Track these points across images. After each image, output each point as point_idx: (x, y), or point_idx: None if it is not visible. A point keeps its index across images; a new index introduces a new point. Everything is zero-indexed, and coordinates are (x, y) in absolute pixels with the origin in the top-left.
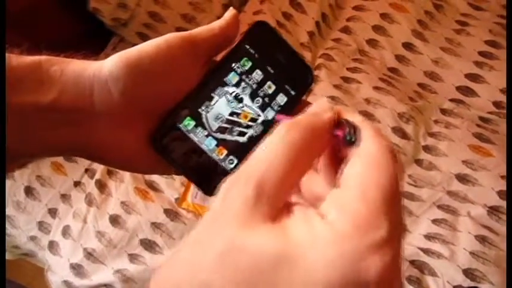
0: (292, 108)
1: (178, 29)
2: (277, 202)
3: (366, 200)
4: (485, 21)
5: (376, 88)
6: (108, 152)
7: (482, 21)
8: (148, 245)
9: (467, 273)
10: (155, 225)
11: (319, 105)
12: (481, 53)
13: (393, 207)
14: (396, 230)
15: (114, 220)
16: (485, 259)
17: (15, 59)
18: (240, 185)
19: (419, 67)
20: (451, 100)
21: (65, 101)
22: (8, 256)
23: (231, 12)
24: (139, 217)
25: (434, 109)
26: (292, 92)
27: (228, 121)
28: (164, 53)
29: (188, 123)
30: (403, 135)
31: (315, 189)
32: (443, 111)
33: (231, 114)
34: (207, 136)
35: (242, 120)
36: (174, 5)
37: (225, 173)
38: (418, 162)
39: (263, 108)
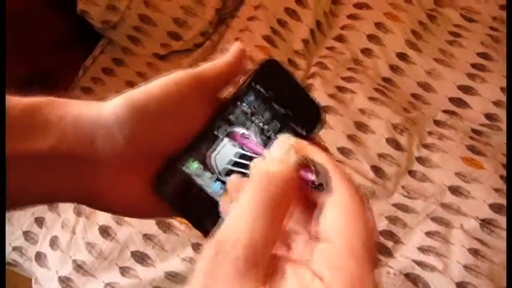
0: None
1: (169, 33)
2: (264, 262)
3: (354, 256)
4: (477, 33)
5: (370, 98)
6: (112, 199)
7: (474, 33)
8: (140, 258)
9: (461, 286)
10: (147, 237)
11: (281, 146)
12: (473, 65)
13: (373, 253)
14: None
15: (104, 231)
16: (478, 272)
17: (11, 102)
18: (226, 249)
19: (413, 77)
20: (444, 111)
21: (64, 148)
22: None
23: (237, 46)
24: (131, 228)
25: (428, 120)
26: (300, 131)
27: (235, 163)
28: (172, 94)
29: (194, 166)
30: (397, 146)
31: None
32: (437, 123)
33: (238, 155)
34: (213, 179)
35: (249, 162)
36: (165, 9)
37: None
38: (412, 173)
39: None
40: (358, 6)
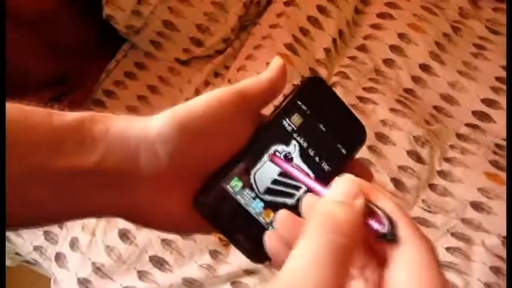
0: (342, 167)
1: (192, 39)
2: None
3: None
4: (502, 45)
5: (392, 110)
6: (153, 215)
7: (499, 45)
8: (158, 262)
9: None
10: (165, 242)
11: (346, 187)
12: (497, 78)
13: None
14: None
15: (124, 235)
16: None
17: (57, 118)
18: None
19: (436, 89)
20: (467, 125)
21: (109, 164)
22: (8, 262)
23: (278, 62)
24: (150, 233)
25: (450, 134)
26: (344, 151)
27: (277, 182)
28: (216, 112)
29: (235, 184)
30: (418, 159)
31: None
32: (459, 137)
33: (280, 174)
34: (254, 198)
35: (291, 181)
36: (188, 15)
37: None
38: (432, 187)
39: (313, 167)
40: (381, 16)
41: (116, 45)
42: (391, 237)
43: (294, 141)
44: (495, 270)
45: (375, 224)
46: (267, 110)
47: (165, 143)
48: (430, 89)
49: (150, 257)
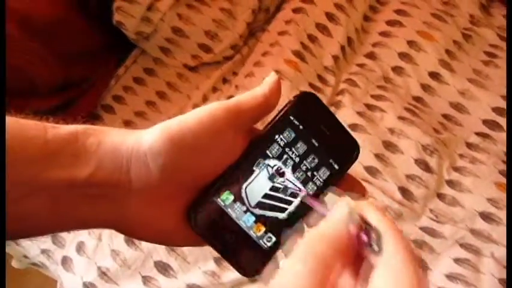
0: (335, 182)
1: (201, 45)
2: None
3: None
4: None
5: (400, 118)
6: (144, 228)
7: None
8: (163, 268)
9: None
10: (170, 248)
11: (341, 210)
12: (509, 87)
13: None
14: None
15: (129, 239)
16: None
17: (51, 131)
18: None
19: (445, 97)
20: (477, 134)
21: (101, 176)
22: (16, 265)
23: (273, 78)
24: None
25: (459, 142)
26: (336, 166)
27: (268, 196)
28: (208, 126)
29: (226, 198)
30: (427, 168)
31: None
32: (469, 145)
33: (272, 188)
34: (245, 212)
35: (283, 196)
36: (198, 21)
37: (262, 251)
38: (441, 196)
39: (305, 182)
40: (390, 23)
41: (125, 51)
42: (375, 248)
43: (286, 156)
44: (504, 282)
45: (364, 236)
46: (261, 124)
47: (156, 157)
48: (439, 97)
49: (155, 262)
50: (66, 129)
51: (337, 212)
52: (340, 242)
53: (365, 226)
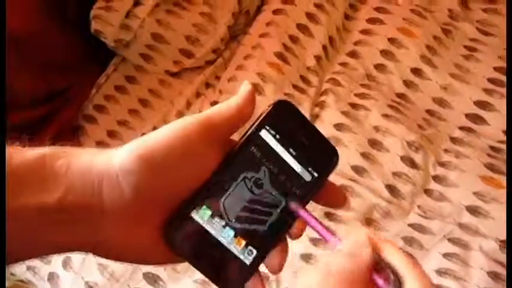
0: (315, 191)
1: (181, 51)
2: None
3: None
4: (494, 46)
5: (384, 116)
6: (121, 249)
7: (490, 46)
8: (152, 279)
9: None
10: None
11: (356, 240)
12: (490, 80)
13: None
14: None
15: None
16: None
17: (17, 157)
18: None
19: (428, 93)
20: (461, 128)
21: (71, 200)
22: None
23: (246, 87)
24: None
25: (444, 138)
26: (316, 174)
27: (247, 209)
28: (180, 142)
29: (204, 213)
30: (412, 164)
31: None
32: (453, 140)
33: (250, 201)
34: (224, 226)
35: (262, 208)
36: (178, 27)
37: (244, 266)
38: (428, 192)
39: (284, 192)
40: (371, 21)
41: (105, 60)
42: None
43: (263, 167)
44: (493, 275)
45: (379, 280)
46: (237, 135)
47: (128, 176)
48: (422, 93)
49: (143, 274)
50: (32, 153)
51: (352, 240)
52: (353, 281)
53: (386, 268)
